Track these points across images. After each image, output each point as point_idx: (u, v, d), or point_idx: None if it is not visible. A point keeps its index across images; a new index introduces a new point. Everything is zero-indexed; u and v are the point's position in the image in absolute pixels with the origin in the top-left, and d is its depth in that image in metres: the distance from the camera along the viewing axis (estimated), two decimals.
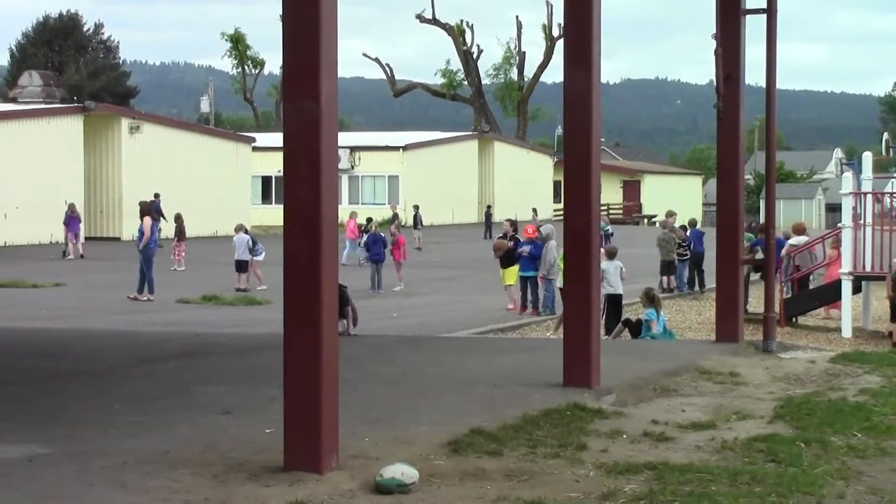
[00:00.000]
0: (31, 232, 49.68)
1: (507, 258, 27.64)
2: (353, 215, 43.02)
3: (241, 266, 32.21)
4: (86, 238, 47.71)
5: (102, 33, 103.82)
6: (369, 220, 38.39)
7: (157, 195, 49.07)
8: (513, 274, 27.48)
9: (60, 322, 23.60)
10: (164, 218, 44.11)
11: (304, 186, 9.75)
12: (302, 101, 9.75)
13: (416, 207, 55.43)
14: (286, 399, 9.78)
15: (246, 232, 33.29)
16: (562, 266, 22.81)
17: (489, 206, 70.30)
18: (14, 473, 9.45)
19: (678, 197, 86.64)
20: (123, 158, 56.26)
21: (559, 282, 23.58)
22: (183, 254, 38.88)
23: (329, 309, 9.83)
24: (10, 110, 55.04)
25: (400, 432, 11.02)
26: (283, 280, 9.81)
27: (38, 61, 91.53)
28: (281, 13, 9.97)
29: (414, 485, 9.25)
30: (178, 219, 39.41)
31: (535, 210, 58.71)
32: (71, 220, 45.45)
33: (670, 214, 36.12)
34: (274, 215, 63.28)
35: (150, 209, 31.14)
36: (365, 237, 32.70)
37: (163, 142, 58.28)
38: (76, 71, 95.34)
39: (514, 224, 29.54)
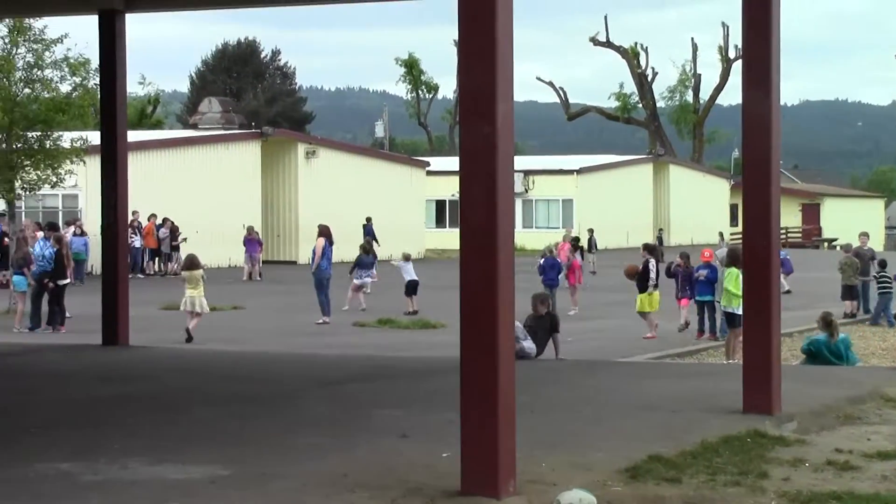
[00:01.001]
0: (209, 255, 50.61)
1: (641, 283, 27.22)
2: (565, 238, 43.07)
3: (412, 289, 32.59)
4: (263, 261, 48.51)
5: (279, 59, 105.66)
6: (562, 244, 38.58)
7: (368, 219, 50.41)
8: (651, 301, 27.00)
9: (240, 345, 24.01)
10: (377, 242, 45.29)
11: (481, 210, 9.75)
12: (478, 124, 9.76)
13: (591, 231, 55.20)
14: (463, 423, 9.78)
15: (407, 259, 33.86)
16: (730, 289, 22.64)
17: (661, 230, 69.66)
18: (198, 494, 9.62)
19: (859, 220, 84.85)
20: (300, 183, 57.12)
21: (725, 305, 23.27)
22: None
23: (505, 333, 9.81)
24: (191, 136, 56.28)
25: (577, 457, 10.95)
26: (458, 304, 9.82)
27: (217, 88, 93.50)
28: (456, 37, 9.99)
29: None
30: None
31: (721, 234, 58.05)
32: (249, 242, 46.41)
33: (863, 234, 35.57)
34: (448, 239, 63.65)
35: (327, 231, 31.49)
36: (541, 261, 32.74)
37: (338, 166, 59.04)
38: (254, 97, 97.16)
39: (652, 249, 29.08)
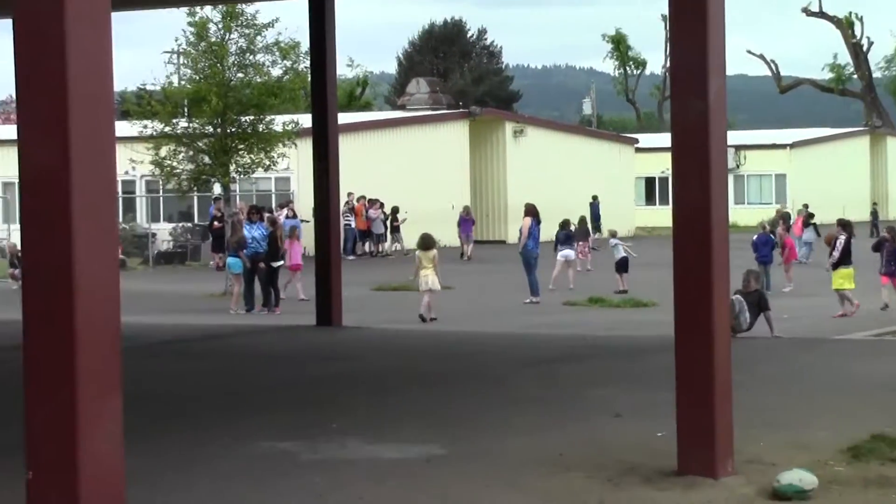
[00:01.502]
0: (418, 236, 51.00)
1: (839, 259, 26.17)
2: (800, 213, 42.59)
3: (622, 267, 32.38)
4: (475, 241, 48.73)
5: (485, 38, 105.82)
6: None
7: (594, 198, 50.77)
8: (846, 277, 25.96)
9: (450, 325, 24.13)
10: (600, 220, 45.59)
11: (694, 187, 9.59)
12: (690, 100, 9.59)
13: (806, 206, 54.04)
14: (678, 402, 9.65)
15: (614, 236, 33.68)
16: None
17: (874, 204, 67.91)
18: (415, 473, 9.69)
19: None
20: (508, 162, 57.20)
21: None
22: (588, 254, 39.44)
23: (721, 311, 9.64)
24: (399, 117, 56.79)
25: (796, 436, 10.72)
26: (670, 282, 9.68)
27: (424, 69, 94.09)
28: (665, 12, 9.83)
29: (813, 491, 8.96)
30: (582, 221, 40.44)
31: None
32: (465, 222, 46.81)
33: None
34: (658, 217, 63.09)
35: (534, 210, 31.41)
36: (755, 237, 32.22)
37: (546, 145, 58.93)
38: (461, 77, 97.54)
39: (845, 225, 27.89)
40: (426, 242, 26.19)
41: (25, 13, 6.36)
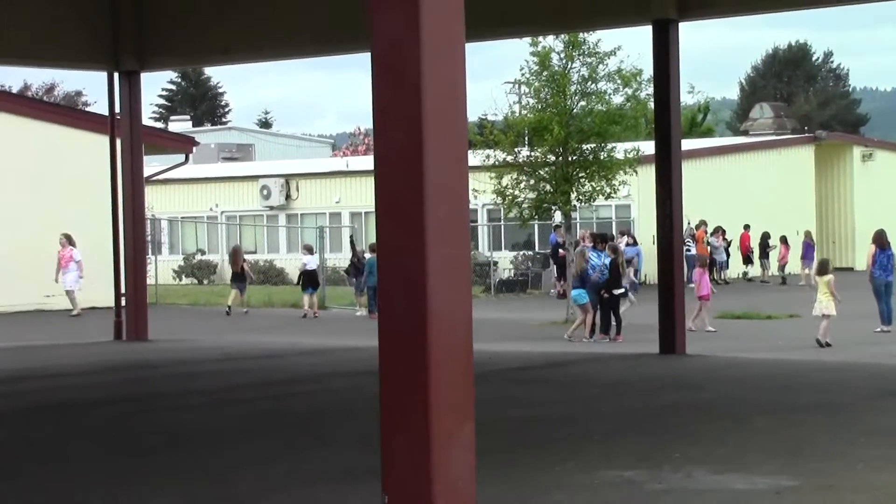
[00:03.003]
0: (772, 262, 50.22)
1: None
2: None
3: None
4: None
5: (832, 61, 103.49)
6: None
7: None
8: None
9: (800, 354, 23.59)
10: None
11: None
12: None
13: None
14: None
15: None
16: None
17: None
18: None
19: None
20: (855, 187, 55.64)
21: None
22: None
23: None
24: (743, 143, 56.01)
25: None
26: None
27: (767, 93, 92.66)
28: None
29: None
30: None
31: None
32: (807, 247, 45.95)
33: None
34: None
35: (881, 237, 30.45)
36: None
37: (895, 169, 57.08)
38: (805, 101, 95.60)
39: None
40: (823, 267, 26.66)
41: (383, 45, 6.53)
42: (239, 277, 38.05)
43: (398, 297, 6.48)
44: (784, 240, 48.65)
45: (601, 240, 29.96)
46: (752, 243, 49.51)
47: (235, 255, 38.81)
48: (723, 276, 47.95)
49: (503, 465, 11.09)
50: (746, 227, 48.34)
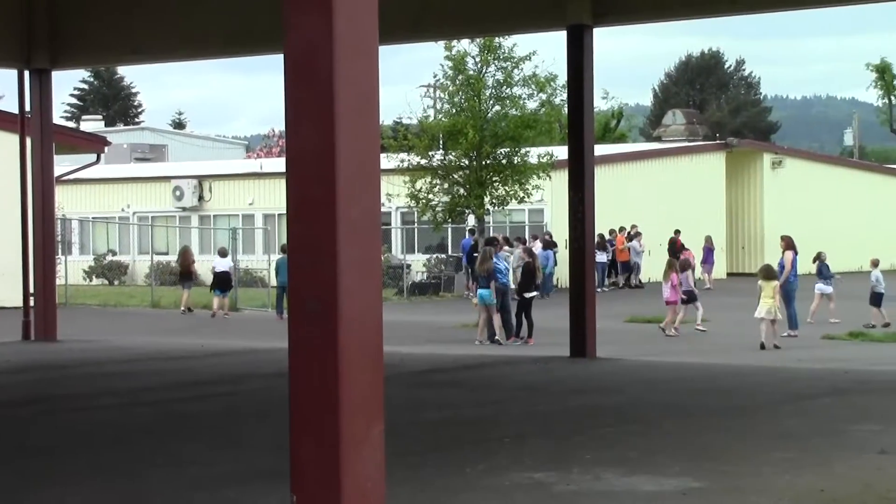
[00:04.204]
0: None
1: None
2: None
3: (876, 300, 31.61)
4: (728, 273, 48.17)
5: (743, 69, 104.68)
6: None
7: None
8: None
9: (702, 357, 23.82)
10: None
11: None
12: None
13: None
14: None
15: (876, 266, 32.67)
16: None
17: None
18: None
19: None
20: (765, 194, 56.32)
21: None
22: None
23: None
24: (655, 149, 56.49)
25: None
26: None
27: (680, 100, 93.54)
28: None
29: None
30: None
31: None
32: (708, 252, 46.50)
33: None
34: None
35: (793, 243, 30.95)
36: None
37: (805, 176, 57.84)
38: (717, 108, 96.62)
39: None
40: (768, 272, 27.10)
41: (296, 47, 6.53)
42: (188, 278, 38.05)
43: (308, 298, 6.48)
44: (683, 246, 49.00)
45: (508, 243, 30.09)
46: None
47: (185, 255, 38.87)
48: (639, 280, 48.35)
49: (414, 467, 11.11)
50: (677, 232, 48.63)
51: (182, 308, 37.71)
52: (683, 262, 31.82)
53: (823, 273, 32.80)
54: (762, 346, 25.98)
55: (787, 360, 23.31)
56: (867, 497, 9.67)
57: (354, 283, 6.44)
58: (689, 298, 30.02)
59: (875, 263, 32.99)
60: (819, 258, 33.19)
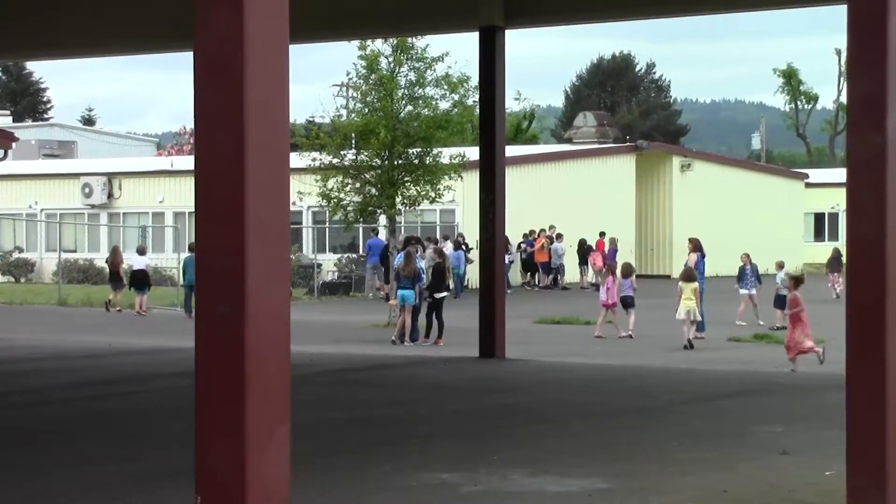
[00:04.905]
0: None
1: None
2: None
3: (780, 303, 32.09)
4: (637, 276, 48.42)
5: (654, 72, 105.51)
6: None
7: None
8: None
9: (614, 358, 23.99)
10: None
11: (869, 222, 9.40)
12: (867, 133, 9.41)
13: None
14: (849, 440, 9.43)
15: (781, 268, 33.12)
16: None
17: None
18: None
19: None
20: (674, 196, 56.81)
21: None
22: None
23: (894, 348, 9.42)
24: (566, 150, 56.77)
25: None
26: (842, 318, 9.51)
27: (591, 102, 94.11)
28: (838, 46, 9.72)
29: None
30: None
31: None
32: (613, 253, 46.89)
33: None
34: (826, 253, 61.98)
35: (700, 246, 31.27)
36: None
37: (713, 179, 58.41)
38: (628, 111, 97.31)
39: None
40: (689, 275, 27.81)
41: (205, 44, 6.50)
42: (117, 278, 37.88)
43: (216, 297, 6.45)
44: (591, 247, 49.26)
45: (416, 242, 30.08)
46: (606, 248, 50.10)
47: (115, 256, 38.65)
48: (561, 281, 48.73)
49: (323, 467, 11.10)
50: (602, 234, 48.95)
51: (110, 306, 37.46)
52: (626, 266, 32.00)
53: (746, 275, 33.12)
54: (686, 347, 26.49)
55: (693, 361, 23.53)
56: (770, 497, 9.81)
57: (262, 283, 6.41)
58: (625, 304, 30.11)
59: (780, 266, 33.33)
60: (748, 261, 33.49)
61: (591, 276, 48.87)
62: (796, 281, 23.26)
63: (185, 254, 37.03)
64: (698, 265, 30.19)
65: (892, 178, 9.38)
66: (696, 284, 27.48)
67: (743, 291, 33.01)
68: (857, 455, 9.35)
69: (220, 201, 6.44)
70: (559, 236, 48.28)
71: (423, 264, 28.61)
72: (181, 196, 50.29)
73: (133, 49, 27.14)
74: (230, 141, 6.39)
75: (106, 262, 40.95)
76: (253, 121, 6.39)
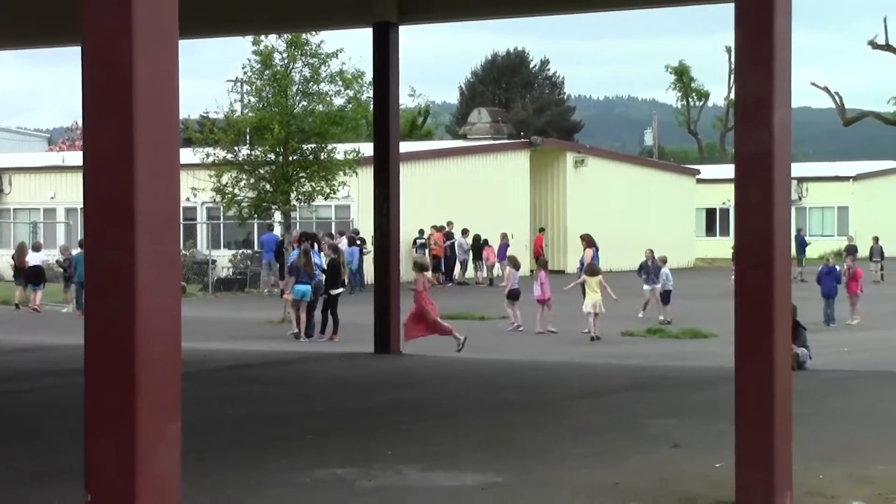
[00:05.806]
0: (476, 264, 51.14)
1: None
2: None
3: (666, 298, 32.50)
4: (531, 271, 48.67)
5: (548, 69, 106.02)
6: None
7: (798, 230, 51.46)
8: None
9: (507, 354, 24.11)
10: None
11: (757, 217, 9.54)
12: (755, 130, 9.55)
13: (876, 239, 53.55)
14: (737, 433, 9.58)
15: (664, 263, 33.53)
16: None
17: None
18: (470, 500, 9.67)
19: None
20: (568, 192, 57.18)
21: None
22: None
23: (782, 342, 9.58)
24: (461, 147, 56.90)
25: (857, 469, 10.62)
26: (731, 313, 9.64)
27: (486, 98, 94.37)
28: (728, 44, 9.84)
29: None
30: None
31: None
32: (504, 248, 47.20)
33: None
34: (718, 248, 62.80)
35: (593, 241, 31.59)
36: (820, 269, 32.17)
37: (607, 175, 58.90)
38: (523, 107, 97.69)
39: None
40: (593, 269, 29.05)
41: (93, 39, 6.43)
42: (22, 274, 37.66)
43: (105, 294, 6.39)
44: (486, 242, 49.49)
45: (312, 237, 29.95)
46: (543, 244, 50.38)
47: (21, 252, 38.25)
48: (465, 277, 48.98)
49: (217, 464, 11.04)
50: (541, 230, 49.25)
51: (15, 303, 37.15)
52: (513, 259, 32.23)
53: (646, 271, 33.38)
54: (592, 339, 27.49)
55: (586, 356, 23.72)
56: (661, 490, 9.91)
57: (152, 280, 6.37)
58: (510, 296, 30.37)
59: (664, 261, 33.65)
60: (650, 257, 33.75)
61: (485, 272, 49.10)
62: (421, 267, 24.60)
63: (77, 250, 36.70)
64: (594, 260, 30.52)
65: (780, 174, 9.53)
66: (600, 277, 28.15)
67: (646, 287, 33.27)
68: (745, 447, 9.49)
69: (109, 198, 6.38)
70: (464, 231, 48.45)
71: (318, 260, 28.52)
72: (73, 192, 49.69)
73: (22, 43, 26.73)
74: (119, 137, 6.33)
75: (12, 258, 40.56)
76: (142, 117, 6.34)
